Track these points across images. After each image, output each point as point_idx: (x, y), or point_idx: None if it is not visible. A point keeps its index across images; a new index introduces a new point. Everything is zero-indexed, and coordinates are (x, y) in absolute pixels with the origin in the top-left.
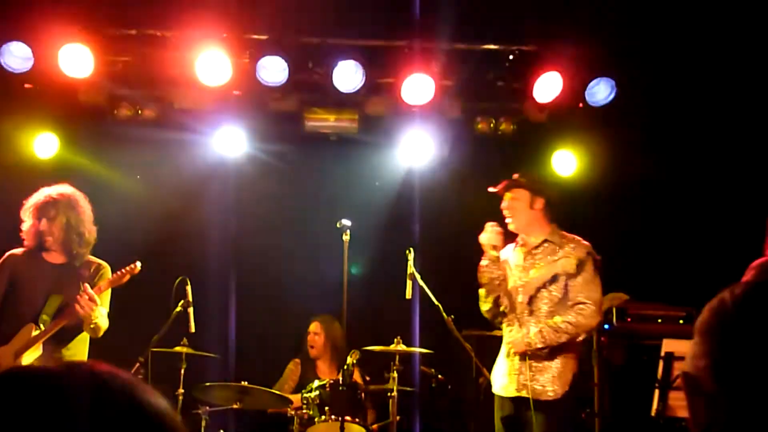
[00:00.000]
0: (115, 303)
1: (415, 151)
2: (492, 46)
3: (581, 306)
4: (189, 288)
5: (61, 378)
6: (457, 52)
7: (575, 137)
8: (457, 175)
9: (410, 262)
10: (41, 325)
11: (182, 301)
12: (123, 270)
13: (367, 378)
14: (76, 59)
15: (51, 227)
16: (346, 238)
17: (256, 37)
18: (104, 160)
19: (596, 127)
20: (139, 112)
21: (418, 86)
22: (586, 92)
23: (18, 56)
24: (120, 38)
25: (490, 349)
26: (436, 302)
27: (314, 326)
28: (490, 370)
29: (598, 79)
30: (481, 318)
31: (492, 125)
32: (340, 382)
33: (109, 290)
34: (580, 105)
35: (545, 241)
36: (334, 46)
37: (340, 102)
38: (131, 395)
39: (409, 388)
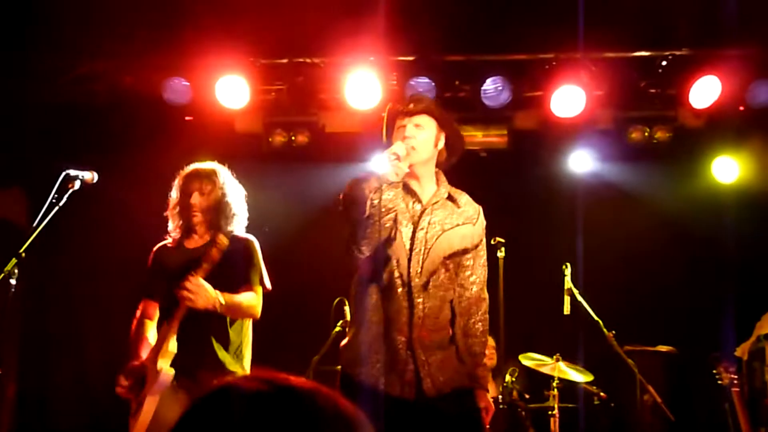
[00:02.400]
0: (274, 323)
1: (568, 163)
2: (643, 53)
3: (483, 300)
4: (347, 308)
5: (269, 395)
6: (607, 61)
7: (737, 142)
8: (611, 186)
9: (567, 277)
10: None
11: (341, 321)
12: (214, 247)
13: (527, 396)
14: (233, 90)
15: (202, 202)
16: (500, 254)
17: (403, 58)
18: (262, 185)
19: (761, 131)
20: (293, 137)
21: (568, 98)
22: (748, 94)
23: (178, 90)
24: (273, 67)
25: (653, 364)
26: (595, 317)
27: (491, 340)
28: (655, 387)
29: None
30: (644, 333)
31: (646, 134)
32: (500, 399)
33: (260, 263)
34: (741, 108)
35: (445, 194)
36: (480, 62)
37: (488, 118)
38: (336, 408)
39: (570, 405)
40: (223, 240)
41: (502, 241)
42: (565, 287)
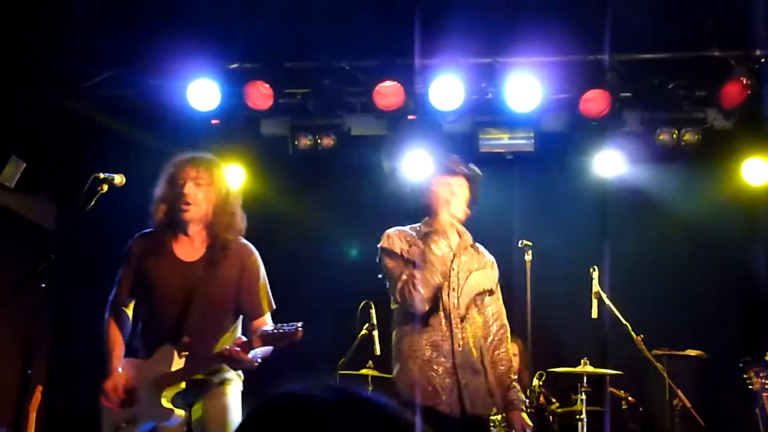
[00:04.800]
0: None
1: (596, 166)
2: (671, 54)
3: (505, 331)
4: (373, 311)
5: (340, 404)
6: (635, 63)
7: (767, 144)
8: (639, 189)
9: (595, 281)
10: (182, 352)
11: (367, 324)
12: (283, 331)
13: (554, 400)
14: (259, 93)
15: (197, 194)
16: (528, 258)
17: (428, 61)
18: (288, 188)
19: None
20: (318, 141)
21: (596, 100)
22: None
23: (205, 94)
24: (298, 71)
25: (682, 369)
26: (624, 321)
27: (514, 347)
28: (683, 391)
29: None
30: (673, 337)
31: (675, 136)
32: (527, 404)
33: (266, 280)
34: None
35: (470, 241)
36: (507, 64)
37: (514, 120)
38: (404, 418)
39: (598, 408)
40: (298, 333)
41: (530, 244)
42: (593, 290)
